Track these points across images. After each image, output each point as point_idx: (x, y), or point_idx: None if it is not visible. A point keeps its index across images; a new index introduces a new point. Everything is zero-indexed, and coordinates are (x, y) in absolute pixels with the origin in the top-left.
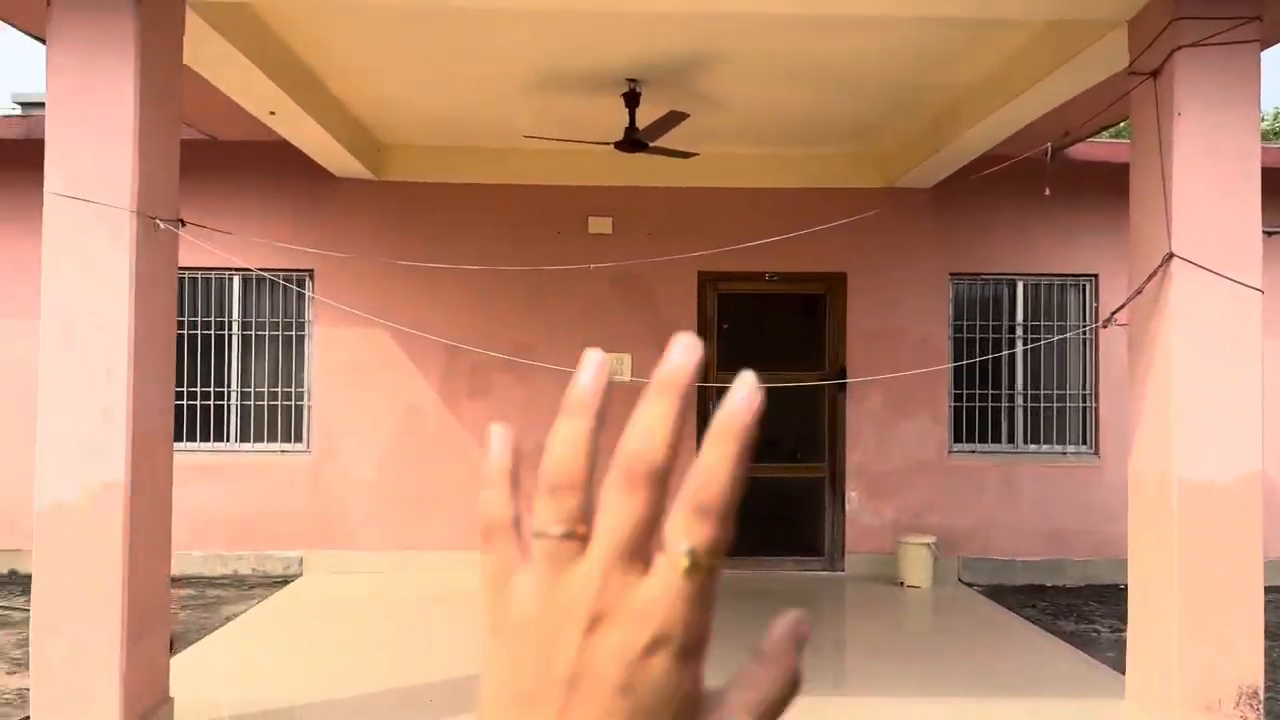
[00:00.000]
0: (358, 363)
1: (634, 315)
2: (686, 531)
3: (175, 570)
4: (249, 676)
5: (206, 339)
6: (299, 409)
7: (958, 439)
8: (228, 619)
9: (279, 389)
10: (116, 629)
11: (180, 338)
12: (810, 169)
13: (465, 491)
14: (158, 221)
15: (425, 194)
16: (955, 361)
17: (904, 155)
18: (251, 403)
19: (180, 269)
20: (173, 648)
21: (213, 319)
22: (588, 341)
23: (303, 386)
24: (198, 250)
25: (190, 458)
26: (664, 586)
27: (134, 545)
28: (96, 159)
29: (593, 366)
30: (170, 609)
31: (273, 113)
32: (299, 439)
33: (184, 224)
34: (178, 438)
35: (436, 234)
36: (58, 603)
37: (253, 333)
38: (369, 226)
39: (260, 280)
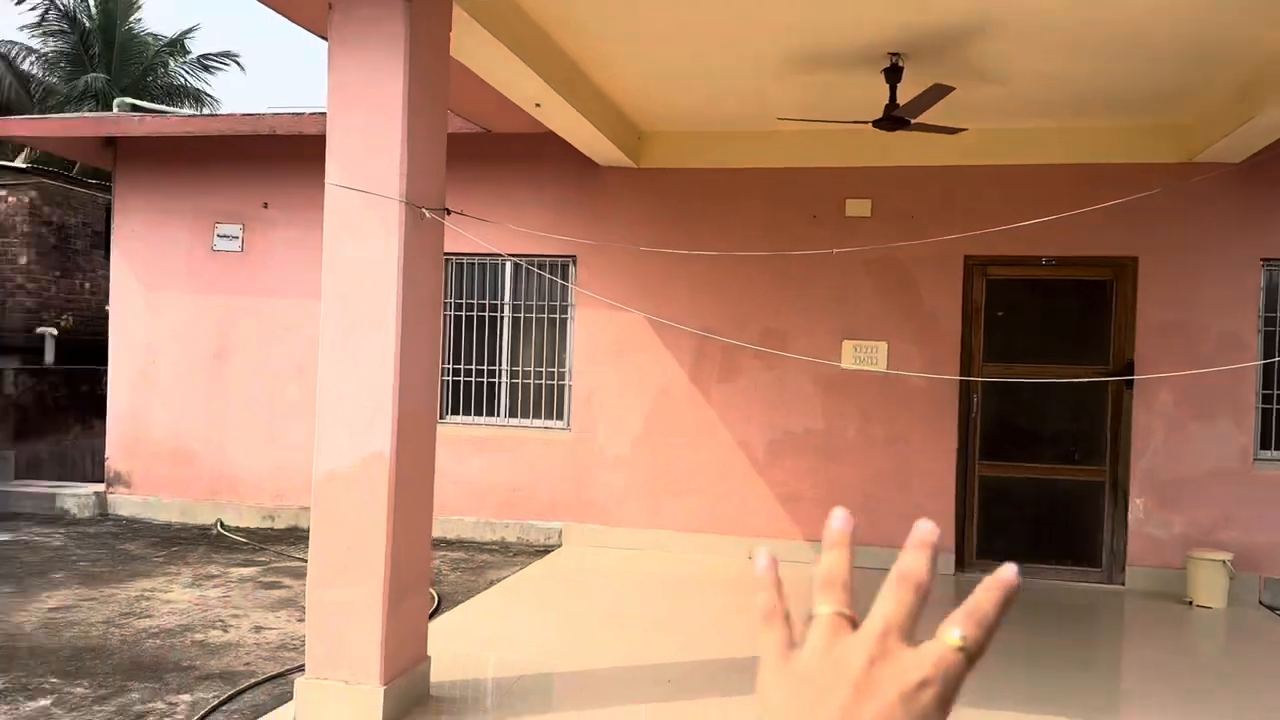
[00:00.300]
0: (614, 345)
1: (891, 302)
2: (961, 624)
3: (449, 534)
4: (504, 640)
5: (481, 320)
6: (561, 388)
7: (1264, 445)
8: (491, 583)
9: (544, 368)
10: (379, 589)
11: (458, 319)
12: (1093, 143)
13: (715, 476)
14: (424, 211)
15: (681, 180)
16: (1266, 359)
17: (1208, 126)
18: (520, 381)
19: (459, 254)
20: (439, 608)
21: (487, 301)
22: (841, 329)
23: (564, 366)
24: (472, 237)
25: (465, 430)
26: (936, 650)
27: (397, 513)
28: (369, 151)
29: (842, 518)
30: (430, 573)
31: (538, 105)
32: (560, 416)
33: (449, 212)
34: (454, 411)
35: (691, 219)
36: (330, 561)
37: (522, 315)
38: (628, 213)
39: (531, 266)
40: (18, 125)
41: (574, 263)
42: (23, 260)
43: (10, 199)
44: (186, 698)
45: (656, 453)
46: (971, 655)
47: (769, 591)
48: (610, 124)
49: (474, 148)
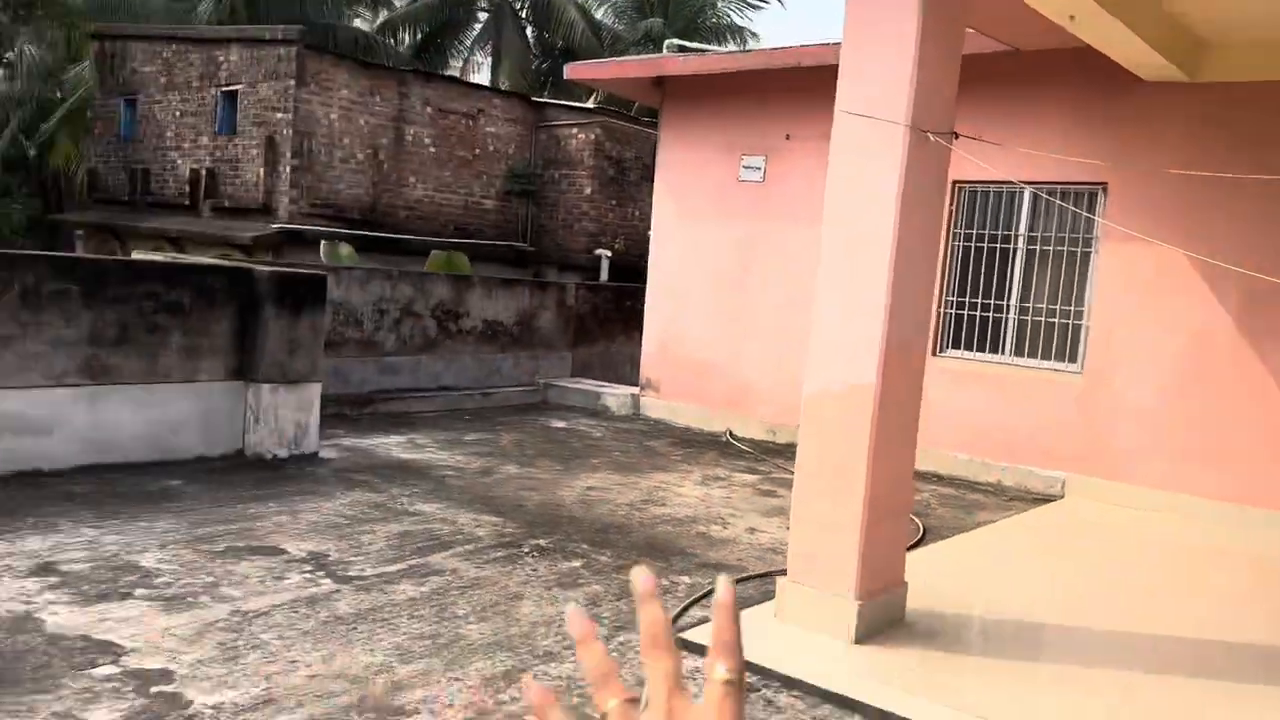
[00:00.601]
0: (1145, 283)
1: None
2: (720, 659)
3: (941, 469)
4: (987, 580)
5: (991, 252)
6: (1076, 328)
7: None
8: (979, 524)
9: (1057, 305)
10: (858, 509)
11: (965, 249)
12: None
13: (1263, 442)
14: (929, 135)
15: (1251, 96)
16: None
17: None
18: (1029, 318)
19: (970, 182)
20: (923, 539)
21: (999, 232)
22: None
23: (1082, 305)
24: (992, 164)
25: (965, 365)
26: (713, 693)
27: (879, 439)
28: (880, 75)
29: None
30: (911, 503)
31: (1072, 17)
32: (1072, 359)
33: (957, 137)
34: (954, 345)
35: (1256, 143)
36: (814, 477)
37: (1037, 247)
38: (1172, 136)
39: (1050, 195)
40: (583, 69)
41: (1103, 191)
42: (587, 190)
43: (580, 135)
44: (686, 580)
45: (1188, 407)
46: (739, 682)
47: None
48: (1160, 33)
49: (997, 68)
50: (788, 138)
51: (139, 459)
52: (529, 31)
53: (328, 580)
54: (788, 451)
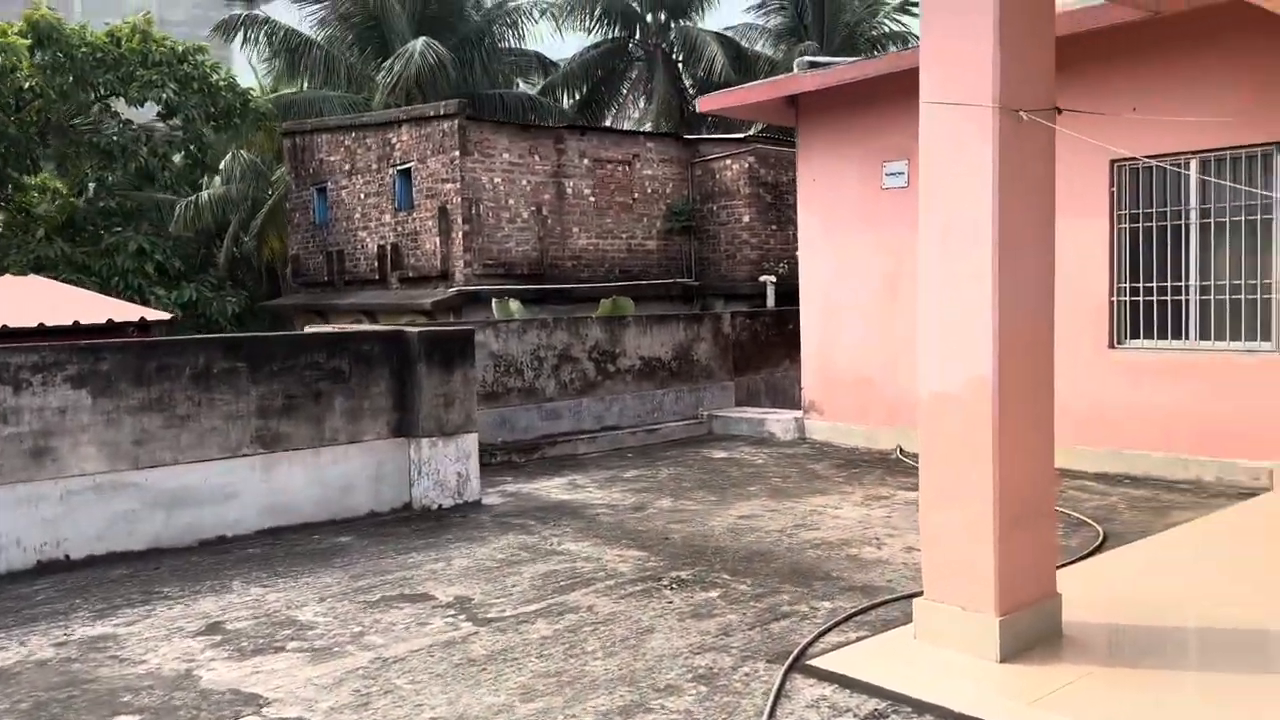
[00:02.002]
0: None
1: None
2: None
3: (1133, 470)
4: (1162, 587)
5: (1162, 231)
6: (1265, 302)
7: None
8: (1171, 525)
9: (1241, 281)
10: (989, 515)
11: (1134, 232)
12: None
13: None
14: (1022, 114)
15: None
16: None
17: None
18: (1211, 297)
19: (1130, 160)
20: (1102, 544)
21: (1168, 209)
22: None
23: (1269, 278)
24: (1152, 136)
25: (1147, 355)
26: None
27: (1003, 437)
28: (961, 59)
29: None
30: (1053, 504)
31: None
32: (1265, 336)
33: (1060, 111)
34: (1134, 335)
35: None
36: (939, 484)
37: (1212, 221)
38: None
39: (1220, 162)
40: (715, 100)
41: (1277, 150)
42: (745, 219)
43: (733, 166)
44: (827, 604)
45: None
46: None
47: None
48: None
49: (1143, 36)
50: None
51: (315, 519)
52: (682, 72)
53: (467, 623)
54: None
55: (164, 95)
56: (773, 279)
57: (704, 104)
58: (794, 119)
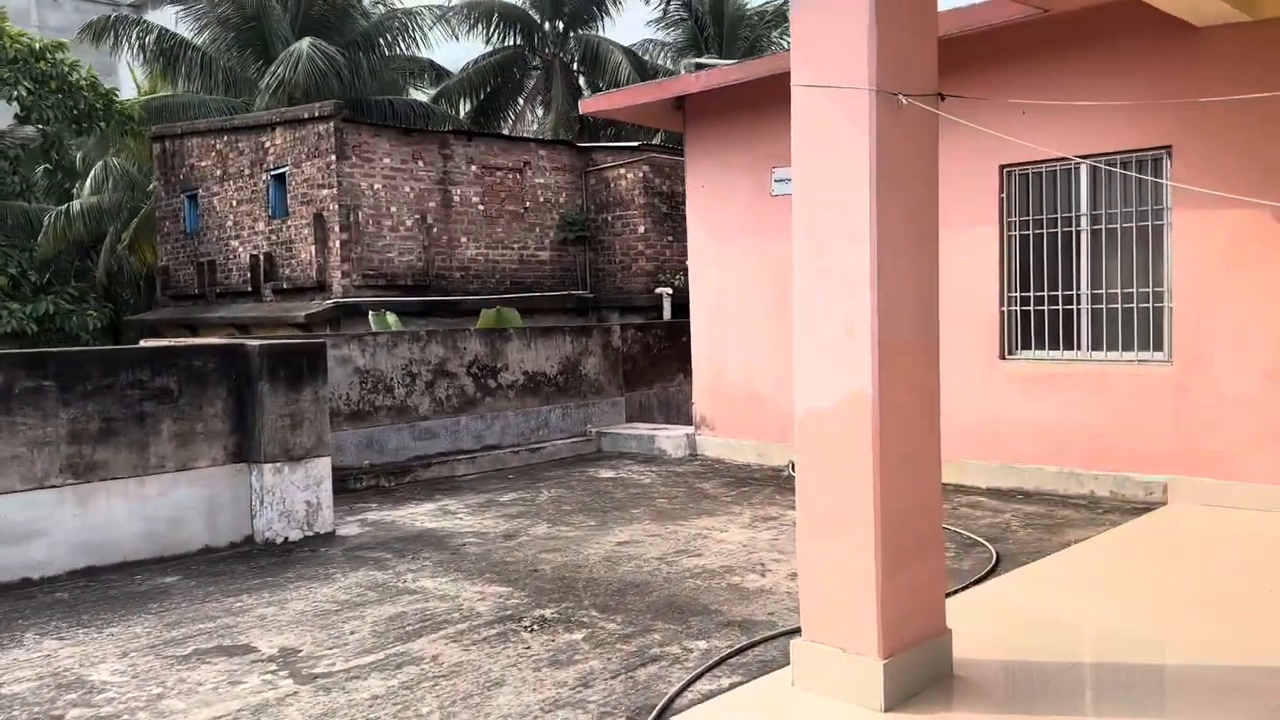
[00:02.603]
0: (1231, 251)
1: None
2: None
3: (1026, 485)
4: (1059, 614)
5: (1052, 238)
6: (1158, 311)
7: None
8: (1067, 544)
9: (1134, 289)
10: (871, 546)
11: (1024, 239)
12: None
13: None
14: (901, 97)
15: None
16: None
17: None
18: (1103, 306)
19: (1020, 164)
20: (996, 568)
21: (1059, 216)
22: None
23: (1161, 286)
24: (1041, 141)
25: (1038, 366)
26: None
27: (885, 460)
28: (833, 39)
29: None
30: (940, 533)
31: None
32: (1158, 347)
33: (942, 97)
34: (1025, 345)
35: None
36: (816, 511)
37: (1103, 227)
38: (1240, 82)
39: (1111, 166)
40: (598, 102)
41: (1168, 155)
42: (641, 229)
43: (629, 175)
44: (702, 645)
45: None
46: None
47: None
48: None
49: (1030, 34)
50: None
51: (139, 556)
52: (582, 83)
53: (288, 680)
54: None
55: (15, 94)
56: (669, 290)
57: (586, 105)
58: (681, 124)
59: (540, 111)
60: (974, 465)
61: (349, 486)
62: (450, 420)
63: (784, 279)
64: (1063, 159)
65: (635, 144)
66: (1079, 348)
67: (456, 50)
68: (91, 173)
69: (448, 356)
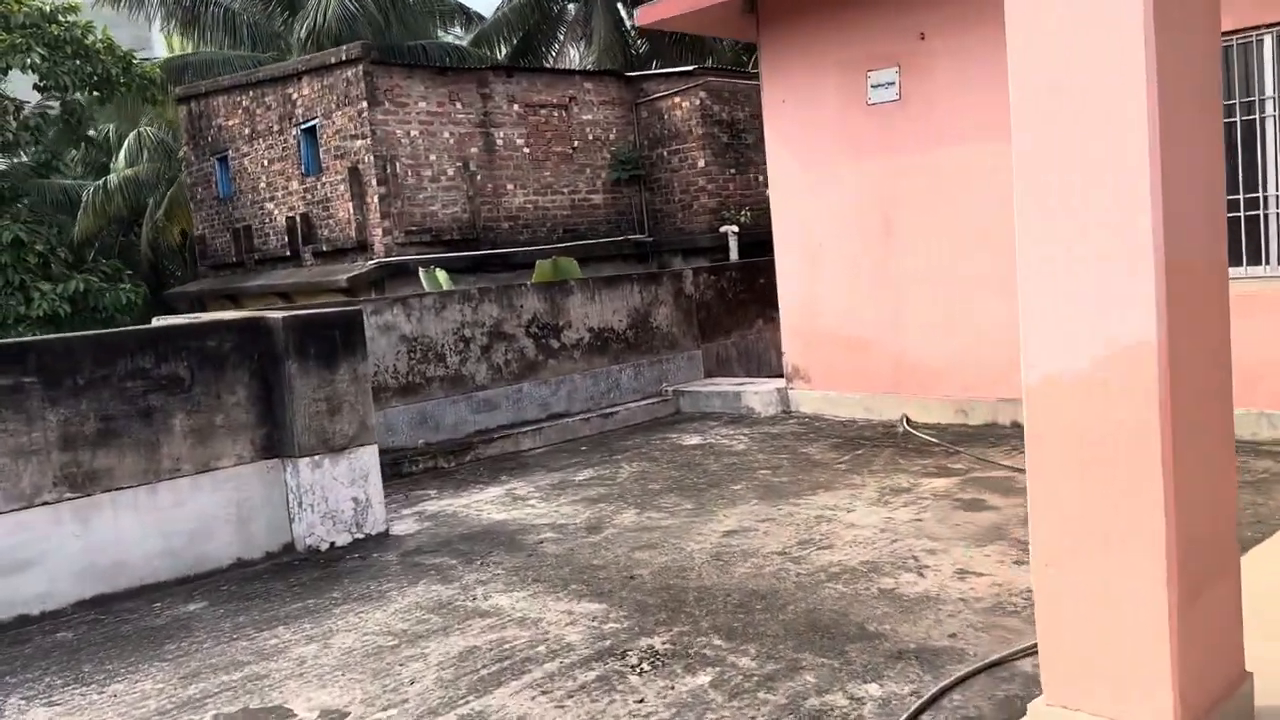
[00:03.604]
0: None
1: None
2: None
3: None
4: None
5: (1231, 129)
6: None
7: None
8: None
9: None
10: (1159, 572)
11: None
12: None
13: None
14: None
15: None
16: None
17: None
18: None
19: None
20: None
21: (1237, 101)
22: None
23: None
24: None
25: None
26: None
27: (1181, 442)
28: None
29: None
30: (1235, 534)
31: None
32: None
33: None
34: None
35: None
36: (1063, 524)
37: None
38: None
39: None
40: (653, 10)
41: None
42: (700, 163)
43: (684, 104)
44: (874, 690)
45: None
46: None
47: None
48: None
49: None
50: (922, 37)
51: (159, 579)
52: (622, 11)
53: None
54: (987, 435)
55: (29, 61)
56: (734, 229)
57: (644, 15)
58: (754, 30)
59: (582, 47)
60: None
61: (403, 471)
62: (511, 388)
63: (890, 201)
64: (1241, 30)
65: (689, 68)
66: (1268, 262)
67: None
68: (125, 144)
69: (503, 316)
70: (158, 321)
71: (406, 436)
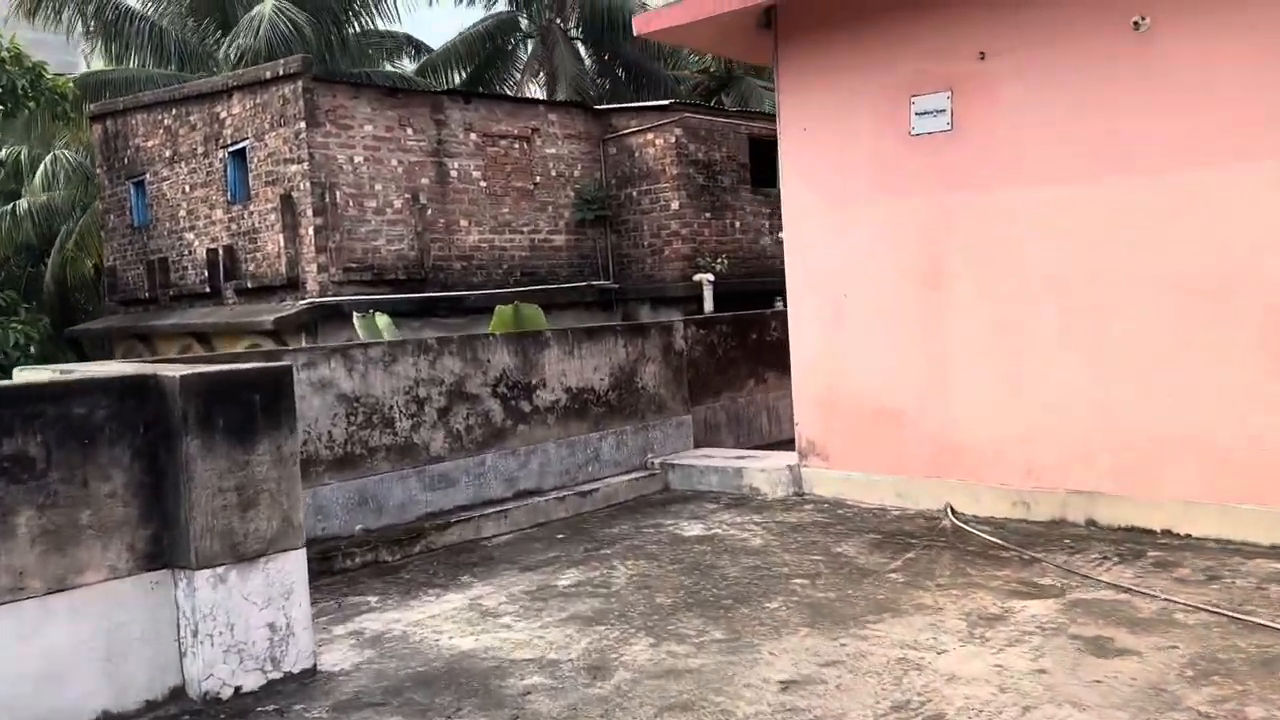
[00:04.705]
0: None
1: None
2: None
3: None
4: None
5: None
6: None
7: None
8: None
9: None
10: None
11: None
12: None
13: None
14: None
15: None
16: None
17: None
18: None
19: None
20: None
21: None
22: None
23: None
24: None
25: None
26: None
27: None
28: None
29: None
30: None
31: None
32: None
33: None
34: None
35: None
36: None
37: None
38: None
39: None
40: (654, 18)
41: None
42: (674, 205)
43: (657, 141)
44: None
45: None
46: None
47: None
48: None
49: None
50: (982, 56)
51: None
52: (583, 51)
53: None
54: (1059, 535)
55: None
56: (710, 278)
57: (641, 22)
58: (770, 47)
59: (543, 79)
60: (1250, 512)
61: (335, 567)
62: (472, 460)
63: (936, 248)
64: None
65: (664, 102)
66: None
67: (435, 28)
68: (41, 167)
69: (467, 373)
70: (19, 375)
71: (341, 522)
